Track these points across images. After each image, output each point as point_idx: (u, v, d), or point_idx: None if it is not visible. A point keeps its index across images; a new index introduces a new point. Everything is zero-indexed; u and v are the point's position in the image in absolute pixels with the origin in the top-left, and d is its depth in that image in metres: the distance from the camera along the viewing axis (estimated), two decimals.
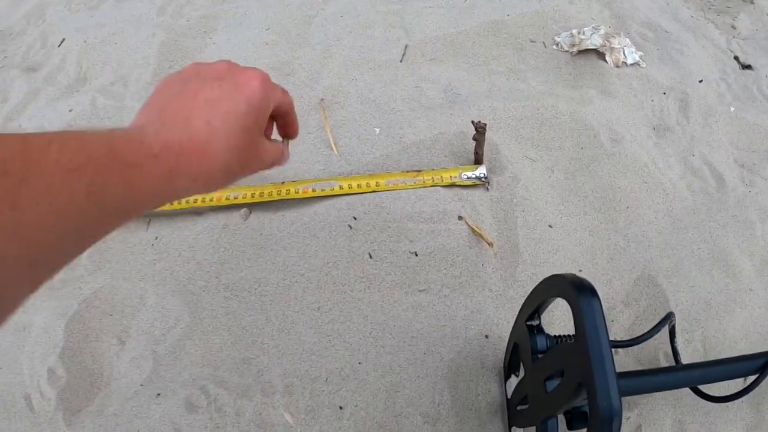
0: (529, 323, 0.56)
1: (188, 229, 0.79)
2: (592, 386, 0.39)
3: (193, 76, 0.38)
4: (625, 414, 0.65)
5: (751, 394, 0.64)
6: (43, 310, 0.75)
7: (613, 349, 0.68)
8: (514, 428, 0.62)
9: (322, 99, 0.90)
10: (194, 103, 0.35)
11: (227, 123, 0.35)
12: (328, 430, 0.64)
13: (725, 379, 0.62)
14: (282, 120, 0.47)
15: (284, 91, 0.44)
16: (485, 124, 0.73)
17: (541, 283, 0.52)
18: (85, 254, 0.79)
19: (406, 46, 0.97)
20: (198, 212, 0.81)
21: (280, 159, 0.46)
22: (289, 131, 0.49)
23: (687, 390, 0.63)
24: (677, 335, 0.68)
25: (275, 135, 0.48)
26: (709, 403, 0.63)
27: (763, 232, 0.78)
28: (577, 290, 0.43)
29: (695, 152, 0.86)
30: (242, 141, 0.36)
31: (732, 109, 0.92)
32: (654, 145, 0.86)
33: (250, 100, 0.37)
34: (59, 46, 1.10)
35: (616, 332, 0.70)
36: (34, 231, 0.23)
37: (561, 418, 0.53)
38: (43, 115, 0.98)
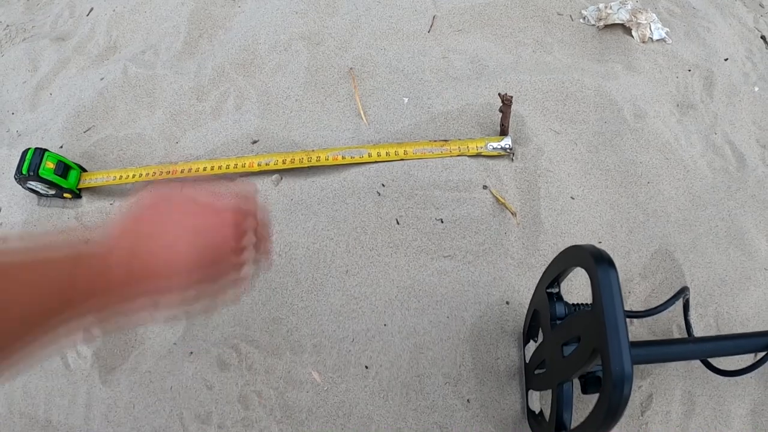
0: (549, 291, 0.58)
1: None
2: (606, 352, 0.42)
3: (169, 205, 0.42)
4: (637, 382, 0.67)
5: (760, 372, 0.65)
6: None
7: (628, 319, 0.71)
8: (531, 391, 0.65)
9: (351, 68, 0.91)
10: (162, 229, 0.40)
11: (187, 249, 0.39)
12: (354, 388, 0.67)
13: (734, 354, 0.63)
14: (256, 233, 0.49)
15: (259, 211, 0.47)
16: (511, 97, 0.74)
17: (561, 252, 0.54)
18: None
19: (434, 17, 0.97)
20: (230, 178, 0.83)
21: (237, 282, 0.47)
22: (260, 244, 0.49)
23: (698, 363, 0.66)
24: (691, 309, 0.70)
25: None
26: (719, 376, 0.65)
27: None
28: (596, 260, 0.45)
29: (717, 131, 0.87)
30: (204, 258, 0.40)
31: (756, 89, 0.92)
32: (677, 122, 0.87)
33: (217, 233, 0.41)
34: (88, 15, 1.11)
35: (632, 303, 0.72)
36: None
37: (576, 384, 0.56)
38: (75, 83, 1.00)
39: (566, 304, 0.58)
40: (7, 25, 1.17)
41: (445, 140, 0.80)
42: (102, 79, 0.97)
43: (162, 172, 0.83)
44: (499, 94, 0.74)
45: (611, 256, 0.74)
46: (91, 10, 1.10)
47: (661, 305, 0.65)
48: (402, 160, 0.79)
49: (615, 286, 0.44)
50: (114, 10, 1.07)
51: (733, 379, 0.67)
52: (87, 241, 0.38)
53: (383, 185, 0.78)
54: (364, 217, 0.76)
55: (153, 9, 1.06)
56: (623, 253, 0.76)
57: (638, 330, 0.71)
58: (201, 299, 0.42)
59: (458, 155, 0.79)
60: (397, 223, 0.76)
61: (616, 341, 0.42)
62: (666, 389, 0.67)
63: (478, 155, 0.79)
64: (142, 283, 0.38)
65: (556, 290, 0.58)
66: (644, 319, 0.72)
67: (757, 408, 0.66)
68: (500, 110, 0.77)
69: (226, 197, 0.45)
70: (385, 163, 0.79)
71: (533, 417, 0.63)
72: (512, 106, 0.77)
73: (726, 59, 0.94)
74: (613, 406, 0.42)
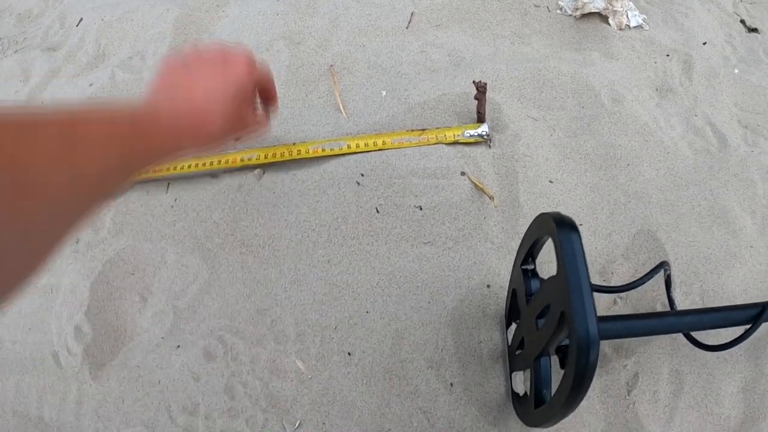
0: (524, 267, 0.59)
1: (205, 191, 0.83)
2: (571, 313, 0.42)
3: (193, 59, 0.48)
4: (621, 362, 0.67)
5: (750, 348, 0.64)
6: (70, 272, 0.80)
7: (611, 295, 0.71)
8: (515, 373, 0.65)
9: (331, 65, 0.93)
10: (195, 83, 0.46)
11: (222, 98, 0.46)
12: (338, 375, 0.68)
13: (716, 327, 0.62)
14: (264, 91, 0.59)
15: (265, 67, 0.56)
16: (485, 84, 0.75)
17: (530, 224, 0.54)
18: (108, 218, 0.83)
19: (412, 13, 0.99)
20: (214, 174, 0.85)
21: (262, 124, 0.58)
22: (269, 99, 0.61)
23: (684, 340, 0.65)
24: (675, 287, 0.69)
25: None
26: (707, 353, 0.64)
27: (765, 191, 0.79)
28: (557, 225, 0.46)
29: (698, 113, 0.87)
30: (233, 110, 0.47)
31: (736, 71, 0.93)
32: (656, 105, 0.87)
33: (238, 79, 0.48)
34: (77, 25, 1.14)
35: (615, 284, 0.72)
36: (84, 183, 0.31)
37: (555, 360, 0.56)
38: (65, 91, 1.02)
39: (541, 279, 0.58)
40: (0, 39, 1.20)
41: (423, 129, 0.81)
42: (91, 84, 0.99)
43: (150, 171, 0.84)
44: (474, 82, 0.75)
45: (593, 237, 0.75)
46: (81, 20, 1.13)
47: (638, 280, 0.65)
48: (380, 150, 0.80)
49: (577, 248, 0.44)
50: (102, 19, 1.10)
51: (722, 357, 0.66)
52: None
53: (362, 175, 0.79)
54: (345, 207, 0.77)
55: (140, 17, 1.09)
56: (605, 234, 0.76)
57: (622, 309, 0.71)
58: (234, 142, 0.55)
59: (435, 143, 0.80)
60: (377, 211, 0.77)
61: (580, 301, 0.42)
62: (652, 368, 0.66)
63: (455, 143, 0.80)
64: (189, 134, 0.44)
65: (532, 266, 0.59)
66: (628, 298, 0.71)
67: (748, 385, 0.65)
68: (475, 98, 0.78)
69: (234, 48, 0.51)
70: (364, 153, 0.80)
71: (517, 399, 0.63)
72: (489, 94, 0.78)
73: (705, 43, 0.95)
74: (579, 372, 0.41)
